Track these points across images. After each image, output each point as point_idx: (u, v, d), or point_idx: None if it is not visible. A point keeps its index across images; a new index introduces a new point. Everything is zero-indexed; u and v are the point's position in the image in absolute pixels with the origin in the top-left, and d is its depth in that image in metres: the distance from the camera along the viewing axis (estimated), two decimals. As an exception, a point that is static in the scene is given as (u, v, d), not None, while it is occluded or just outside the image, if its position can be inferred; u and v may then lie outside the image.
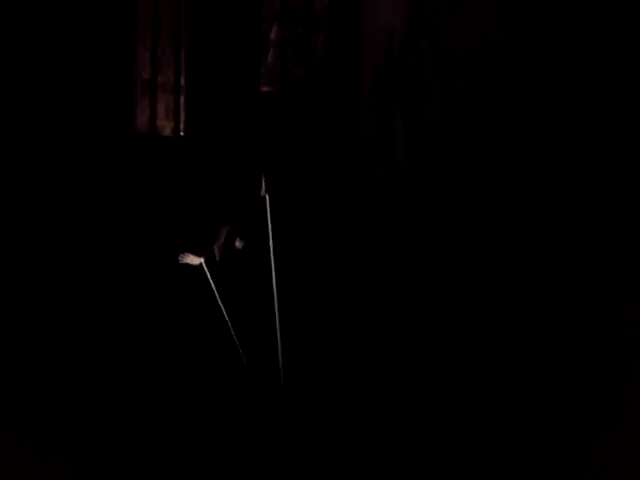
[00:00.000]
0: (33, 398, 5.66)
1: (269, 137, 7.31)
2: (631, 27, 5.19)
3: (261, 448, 5.67)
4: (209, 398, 5.94)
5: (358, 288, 6.52)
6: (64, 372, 5.91)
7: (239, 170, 7.08)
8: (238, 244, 6.34)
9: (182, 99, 7.52)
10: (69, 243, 6.73)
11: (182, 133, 7.54)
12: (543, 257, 5.53)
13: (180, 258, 6.13)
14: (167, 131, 7.56)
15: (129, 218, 7.04)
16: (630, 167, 5.03)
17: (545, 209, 5.58)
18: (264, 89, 7.56)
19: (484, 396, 5.61)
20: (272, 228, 6.20)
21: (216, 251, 6.21)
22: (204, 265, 6.12)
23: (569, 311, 5.32)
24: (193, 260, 6.15)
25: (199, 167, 7.26)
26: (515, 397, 5.47)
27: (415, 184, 6.70)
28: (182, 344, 6.24)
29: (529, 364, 5.47)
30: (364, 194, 6.98)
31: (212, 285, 6.07)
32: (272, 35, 7.52)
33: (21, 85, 6.92)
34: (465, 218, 6.15)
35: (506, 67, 5.86)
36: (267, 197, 6.26)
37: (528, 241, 5.65)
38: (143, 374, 6.09)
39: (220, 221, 6.57)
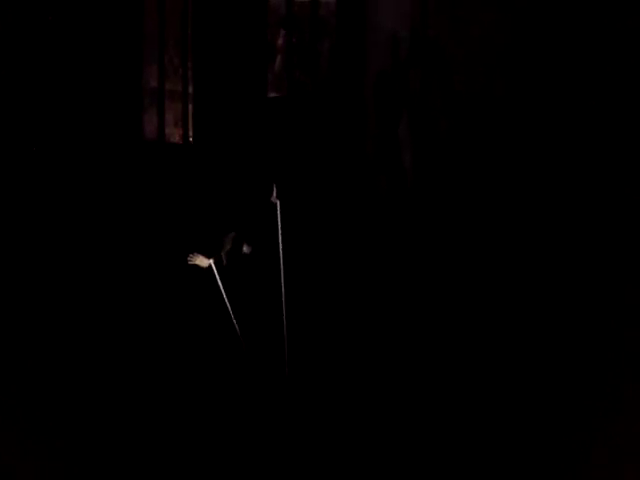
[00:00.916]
0: (33, 398, 5.70)
1: (277, 142, 7.35)
2: (631, 27, 5.19)
3: (265, 448, 5.69)
4: (213, 398, 5.97)
5: (365, 292, 6.53)
6: (65, 372, 5.96)
7: (247, 175, 7.11)
8: (246, 249, 6.36)
9: (190, 107, 7.58)
10: (79, 247, 6.80)
11: (190, 140, 7.60)
12: (544, 258, 5.53)
13: (189, 259, 6.13)
14: (175, 138, 7.63)
15: (138, 224, 7.10)
16: (630, 168, 5.03)
17: (547, 211, 5.57)
18: (271, 95, 7.60)
19: (484, 396, 5.60)
20: (281, 233, 6.22)
21: (223, 257, 6.22)
22: (213, 267, 6.12)
23: (569, 311, 5.31)
24: (202, 262, 6.15)
25: (207, 173, 7.30)
26: (515, 397, 5.46)
27: (421, 190, 6.71)
28: (188, 345, 6.28)
29: (529, 364, 5.47)
30: (370, 200, 7.00)
31: (220, 287, 6.06)
32: (279, 42, 7.56)
33: (33, 98, 7.01)
34: (470, 222, 6.15)
35: (506, 68, 5.86)
36: (278, 203, 6.27)
37: (530, 242, 5.65)
38: (146, 373, 6.12)
39: (229, 226, 6.60)
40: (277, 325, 6.08)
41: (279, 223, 6.18)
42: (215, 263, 6.08)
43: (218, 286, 6.04)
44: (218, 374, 6.04)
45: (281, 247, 6.14)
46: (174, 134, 7.64)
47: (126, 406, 5.81)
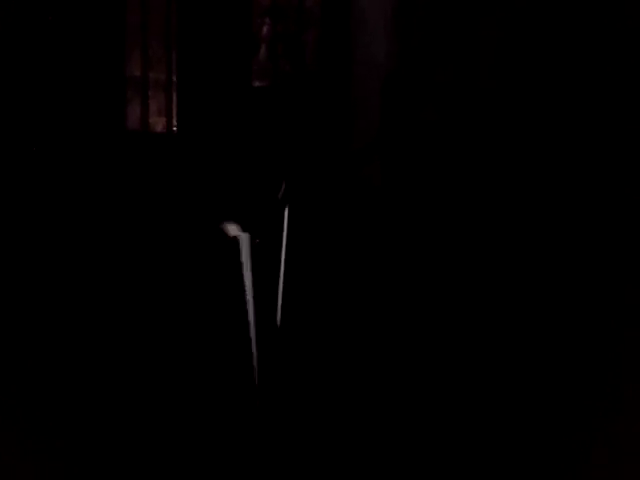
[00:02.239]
0: (33, 398, 5.67)
1: (262, 132, 7.32)
2: (631, 27, 5.20)
3: (258, 447, 5.70)
4: (210, 397, 5.97)
5: (360, 287, 6.54)
6: (63, 368, 5.92)
7: (232, 165, 7.10)
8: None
9: (174, 96, 7.51)
10: (63, 241, 6.73)
11: (174, 129, 7.54)
12: (543, 257, 5.55)
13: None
14: (159, 128, 7.56)
15: (123, 215, 7.04)
16: (630, 169, 5.05)
17: (545, 208, 5.59)
18: (256, 85, 7.55)
19: (483, 396, 5.64)
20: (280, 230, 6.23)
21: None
22: (243, 241, 6.02)
23: (569, 311, 5.35)
24: (233, 230, 6.07)
25: (192, 162, 7.27)
26: (515, 397, 5.50)
27: (416, 184, 6.71)
28: (182, 346, 6.26)
29: (529, 364, 5.51)
30: (356, 192, 6.98)
31: (247, 267, 5.95)
32: (263, 31, 7.51)
33: (12, 86, 6.90)
34: (465, 218, 6.16)
35: (505, 67, 5.87)
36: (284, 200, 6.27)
37: (528, 240, 5.67)
38: (141, 370, 6.11)
39: (215, 216, 6.61)
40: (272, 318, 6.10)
41: (285, 221, 6.19)
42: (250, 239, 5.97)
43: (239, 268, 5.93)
44: (211, 372, 6.04)
45: (284, 243, 6.16)
46: (157, 123, 7.57)
47: (121, 403, 5.79)
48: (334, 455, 5.50)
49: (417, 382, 5.85)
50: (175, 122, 7.50)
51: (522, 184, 5.75)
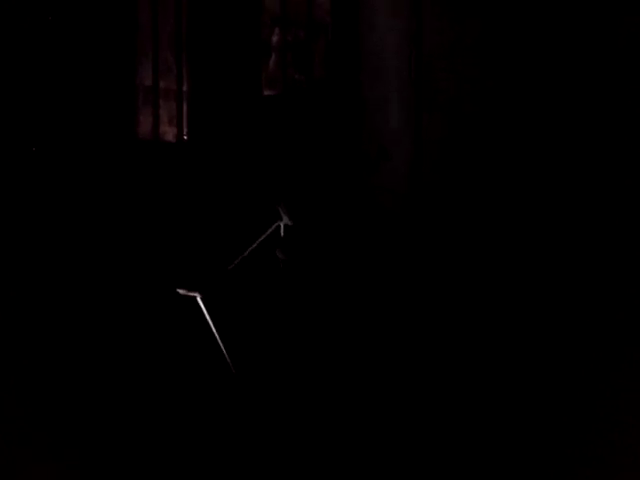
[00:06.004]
0: (33, 398, 5.70)
1: (272, 140, 7.34)
2: (631, 27, 5.19)
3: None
4: (209, 397, 5.98)
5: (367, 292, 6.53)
6: (64, 373, 5.95)
7: (243, 174, 7.13)
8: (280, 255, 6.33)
9: (185, 105, 7.56)
10: (70, 250, 6.77)
11: (185, 138, 7.59)
12: (544, 256, 5.53)
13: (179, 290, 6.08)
14: (170, 137, 7.61)
15: (132, 225, 7.08)
16: (630, 170, 5.04)
17: (546, 208, 5.58)
18: (266, 93, 7.59)
19: (483, 397, 5.63)
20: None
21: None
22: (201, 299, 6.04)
23: (570, 311, 5.33)
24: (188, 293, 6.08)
25: (203, 172, 7.30)
26: (515, 398, 5.48)
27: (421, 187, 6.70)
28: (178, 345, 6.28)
29: (529, 365, 5.49)
30: (365, 195, 6.99)
31: (209, 321, 6.02)
32: (273, 40, 7.55)
33: (22, 96, 6.97)
34: (469, 219, 6.14)
35: (504, 66, 5.87)
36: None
37: (530, 238, 5.65)
38: (140, 373, 6.13)
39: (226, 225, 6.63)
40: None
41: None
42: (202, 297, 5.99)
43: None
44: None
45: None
46: (168, 132, 7.61)
47: (122, 405, 5.81)
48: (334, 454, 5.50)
49: (419, 382, 5.84)
50: (185, 131, 7.55)
51: (525, 185, 5.75)
